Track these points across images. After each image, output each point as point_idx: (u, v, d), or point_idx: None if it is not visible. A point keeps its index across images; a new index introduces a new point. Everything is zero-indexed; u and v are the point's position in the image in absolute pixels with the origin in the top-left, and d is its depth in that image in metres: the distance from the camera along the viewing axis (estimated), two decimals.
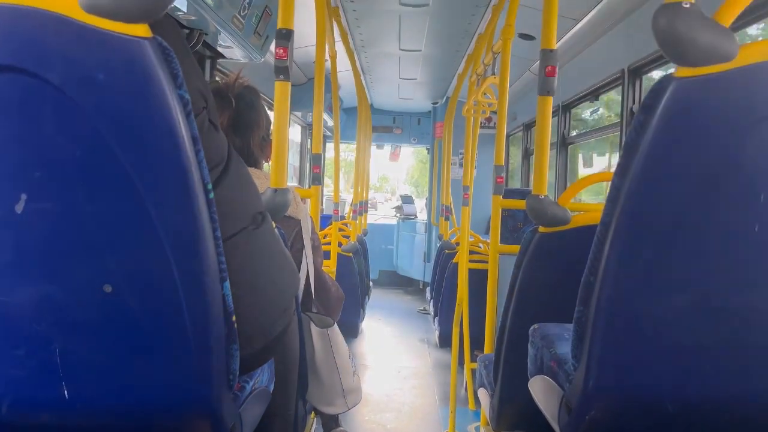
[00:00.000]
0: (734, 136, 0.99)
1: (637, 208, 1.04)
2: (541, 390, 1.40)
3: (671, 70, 1.00)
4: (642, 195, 1.03)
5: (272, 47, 1.69)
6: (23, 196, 0.86)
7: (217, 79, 1.92)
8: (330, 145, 7.68)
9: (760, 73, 0.97)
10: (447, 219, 5.78)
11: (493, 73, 3.49)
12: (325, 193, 7.44)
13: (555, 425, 1.28)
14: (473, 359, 3.62)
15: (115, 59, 0.83)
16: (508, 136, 6.43)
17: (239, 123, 1.76)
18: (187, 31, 2.57)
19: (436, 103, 7.74)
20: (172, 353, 0.93)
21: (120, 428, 0.98)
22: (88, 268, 0.89)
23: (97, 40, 0.83)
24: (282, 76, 1.66)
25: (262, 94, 1.91)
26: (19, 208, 0.87)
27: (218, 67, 3.22)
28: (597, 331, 1.09)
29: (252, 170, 1.79)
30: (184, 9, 2.30)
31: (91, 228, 0.88)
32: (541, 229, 1.70)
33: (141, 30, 0.84)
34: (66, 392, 0.92)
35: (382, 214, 10.28)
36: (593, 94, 3.90)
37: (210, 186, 0.92)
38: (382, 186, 20.95)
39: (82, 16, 0.82)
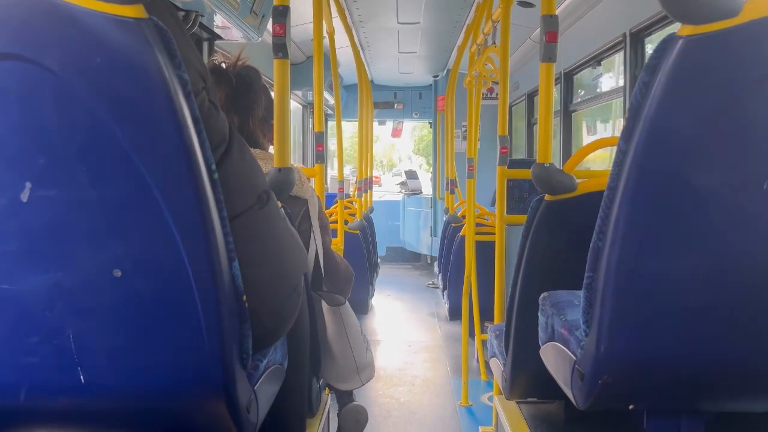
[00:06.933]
0: (740, 93, 0.97)
1: (643, 170, 1.03)
2: (552, 357, 1.41)
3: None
4: (648, 157, 1.02)
5: (270, 26, 1.67)
6: (28, 184, 0.86)
7: (213, 59, 1.90)
8: (331, 124, 7.65)
9: (765, 28, 0.95)
10: (452, 192, 5.76)
11: (494, 43, 3.46)
12: (328, 171, 7.43)
13: (568, 391, 1.28)
14: (483, 331, 3.64)
15: (111, 41, 0.83)
16: (510, 107, 6.38)
17: (237, 102, 1.76)
18: (182, 13, 2.55)
19: (437, 76, 7.67)
20: (184, 334, 0.94)
21: (136, 410, 0.99)
22: (96, 253, 0.89)
23: (92, 23, 0.82)
24: (280, 54, 1.64)
25: (264, 75, 1.90)
26: (24, 196, 0.86)
27: (216, 48, 3.20)
28: (606, 296, 1.09)
29: (256, 151, 1.79)
30: None
31: (97, 213, 0.88)
32: (548, 197, 1.68)
33: (136, 11, 0.83)
34: (81, 377, 0.93)
35: (387, 190, 10.25)
36: (595, 60, 3.86)
37: (214, 166, 0.92)
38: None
39: (77, 0, 0.81)
